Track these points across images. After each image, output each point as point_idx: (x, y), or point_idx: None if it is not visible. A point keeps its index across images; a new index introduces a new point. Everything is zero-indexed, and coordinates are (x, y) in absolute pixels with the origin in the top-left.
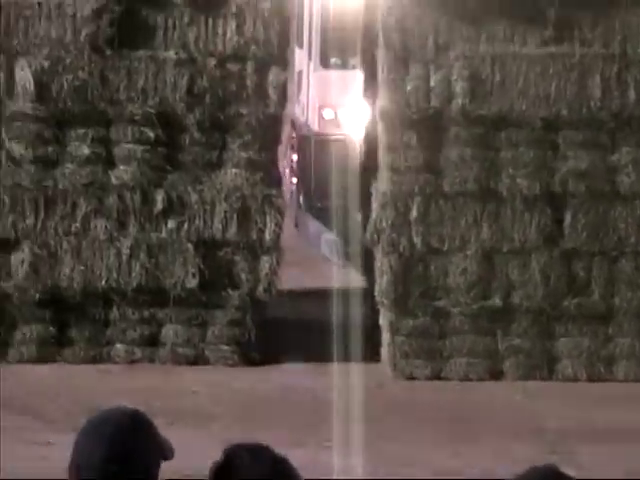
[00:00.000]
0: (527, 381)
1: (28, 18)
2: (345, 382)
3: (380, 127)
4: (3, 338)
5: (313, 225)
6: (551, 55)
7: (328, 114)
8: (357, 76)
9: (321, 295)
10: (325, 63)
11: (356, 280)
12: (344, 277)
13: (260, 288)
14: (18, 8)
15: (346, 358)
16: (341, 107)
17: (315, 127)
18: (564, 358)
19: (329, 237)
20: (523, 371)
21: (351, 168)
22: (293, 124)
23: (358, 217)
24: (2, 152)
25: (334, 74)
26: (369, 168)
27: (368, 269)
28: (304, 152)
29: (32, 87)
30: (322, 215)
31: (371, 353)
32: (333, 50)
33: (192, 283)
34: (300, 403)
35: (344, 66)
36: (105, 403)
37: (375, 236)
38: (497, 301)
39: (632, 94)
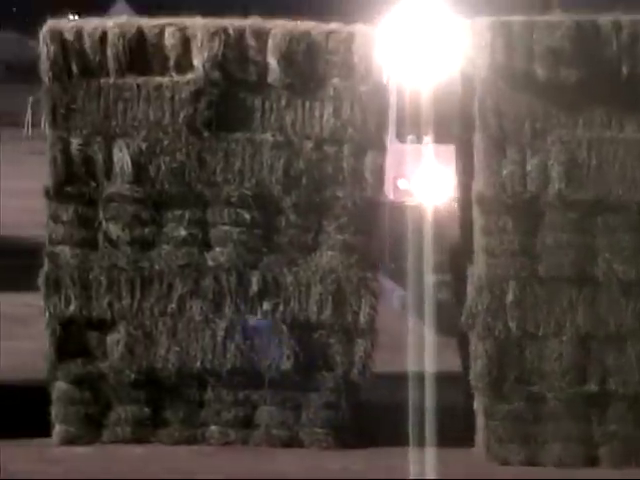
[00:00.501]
0: (623, 468)
1: (127, 100)
2: (439, 466)
3: (475, 210)
4: (98, 418)
5: (387, 283)
6: None
7: (403, 184)
8: (429, 150)
9: (415, 378)
10: (401, 138)
11: (451, 364)
12: (439, 360)
13: (355, 371)
14: (117, 90)
15: (440, 442)
16: (415, 178)
17: (390, 196)
18: None
19: (401, 293)
20: (619, 458)
21: (424, 232)
22: None
23: (430, 279)
24: (99, 233)
25: (409, 148)
26: (463, 250)
27: (463, 352)
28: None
29: (130, 169)
30: (395, 275)
31: (465, 437)
32: (409, 127)
33: (287, 365)
34: None
35: (418, 141)
36: None
37: (470, 320)
38: (593, 386)
39: None
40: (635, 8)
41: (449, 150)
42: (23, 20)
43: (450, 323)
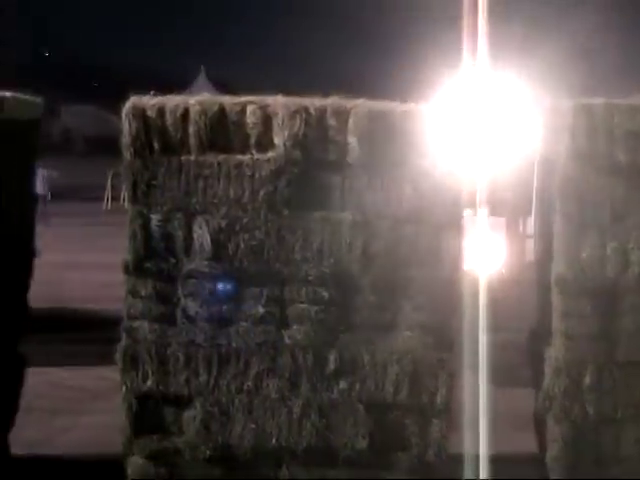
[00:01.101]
0: None
1: (207, 177)
2: None
3: (554, 293)
4: None
5: None
6: None
7: None
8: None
9: (491, 460)
10: None
11: (526, 446)
12: (514, 443)
13: (430, 452)
14: (198, 167)
15: None
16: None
17: None
18: None
19: None
20: None
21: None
22: None
23: (484, 339)
24: (178, 309)
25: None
26: (541, 333)
27: (539, 435)
28: None
29: (209, 245)
30: None
31: None
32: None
33: (362, 444)
34: None
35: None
36: None
37: (547, 402)
38: None
39: None
40: None
41: (501, 222)
42: (103, 94)
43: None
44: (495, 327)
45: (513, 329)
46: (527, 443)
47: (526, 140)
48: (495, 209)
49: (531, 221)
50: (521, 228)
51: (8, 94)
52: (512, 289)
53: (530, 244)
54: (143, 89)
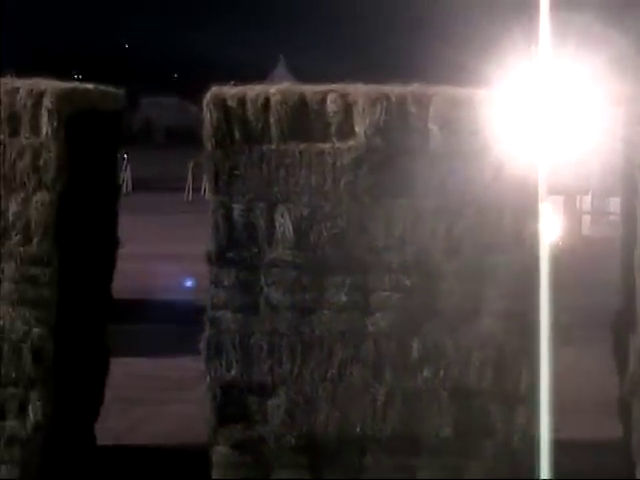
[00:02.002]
0: None
1: (289, 166)
2: None
3: (638, 277)
4: None
5: None
6: None
7: None
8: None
9: (575, 446)
10: None
11: (612, 432)
12: (597, 427)
13: (515, 438)
14: (279, 156)
15: None
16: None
17: None
18: None
19: None
20: None
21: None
22: None
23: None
24: (261, 298)
25: None
26: (625, 317)
27: (625, 421)
28: None
29: (291, 234)
30: None
31: None
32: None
33: (447, 432)
34: None
35: None
36: None
37: (633, 388)
38: None
39: None
40: None
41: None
42: (183, 85)
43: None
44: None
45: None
46: (613, 428)
47: (584, 124)
48: (554, 188)
49: (587, 199)
50: (578, 205)
51: (90, 86)
52: (570, 260)
53: (586, 220)
54: (223, 79)
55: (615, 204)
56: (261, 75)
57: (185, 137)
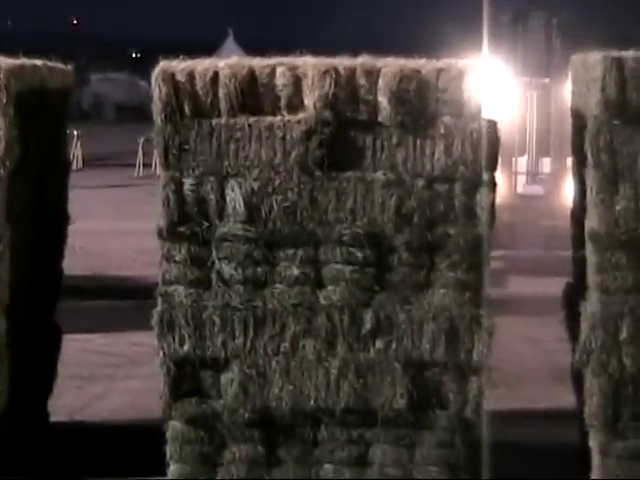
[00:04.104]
0: None
1: (239, 140)
2: None
3: (589, 247)
4: (213, 457)
5: None
6: None
7: None
8: None
9: (528, 416)
10: None
11: (564, 401)
12: (552, 398)
13: (468, 409)
14: (229, 130)
15: None
16: None
17: None
18: None
19: None
20: None
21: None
22: None
23: None
24: (213, 273)
25: None
26: (577, 288)
27: (577, 390)
28: None
29: (242, 208)
30: None
31: (580, 476)
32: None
33: (400, 403)
34: None
35: None
36: None
37: (584, 357)
38: None
39: None
40: None
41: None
42: (134, 61)
43: None
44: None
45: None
46: (565, 398)
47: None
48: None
49: (522, 160)
50: (513, 166)
51: (39, 62)
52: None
53: (520, 180)
54: (172, 54)
55: (547, 164)
56: (210, 50)
57: (136, 113)
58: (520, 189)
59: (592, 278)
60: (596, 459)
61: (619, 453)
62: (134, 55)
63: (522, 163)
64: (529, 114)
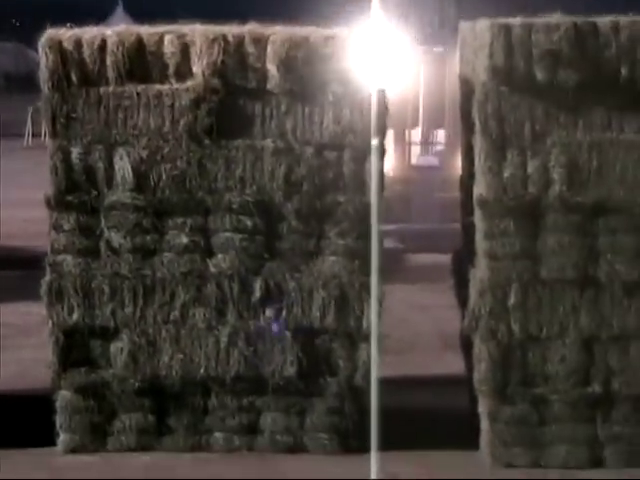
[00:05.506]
0: (628, 469)
1: (127, 108)
2: (443, 470)
3: (477, 214)
4: (102, 427)
5: None
6: None
7: None
8: None
9: (419, 382)
10: None
11: (454, 367)
12: (442, 364)
13: (358, 376)
14: (117, 98)
15: (444, 446)
16: None
17: None
18: None
19: None
20: (624, 459)
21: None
22: None
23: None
24: (101, 242)
25: None
26: (466, 254)
27: (467, 356)
28: None
29: (131, 177)
30: None
31: (469, 441)
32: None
33: (290, 371)
34: None
35: None
36: None
37: (473, 323)
38: (596, 388)
39: None
40: (634, 9)
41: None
42: (22, 29)
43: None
44: None
45: None
46: (456, 364)
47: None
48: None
49: (416, 132)
50: (407, 137)
51: None
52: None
53: (415, 150)
54: (61, 23)
55: (441, 135)
56: (99, 19)
57: (24, 82)
58: (414, 160)
59: (480, 245)
60: (485, 424)
61: (507, 418)
62: (18, 23)
63: (416, 134)
64: (422, 83)
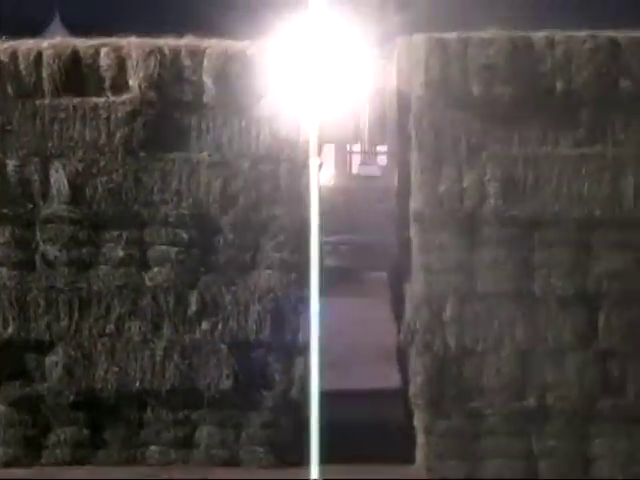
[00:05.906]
0: None
1: (63, 121)
2: None
3: (413, 227)
4: (37, 440)
5: None
6: (583, 156)
7: None
8: None
9: (356, 396)
10: None
11: (391, 380)
12: (379, 378)
13: (294, 389)
14: (53, 111)
15: (380, 459)
16: None
17: None
18: (599, 459)
19: None
20: (558, 472)
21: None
22: None
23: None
24: (37, 254)
25: None
26: (402, 268)
27: (403, 369)
28: None
29: (66, 189)
30: None
31: (405, 454)
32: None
33: (226, 384)
34: None
35: None
36: None
37: (409, 336)
38: (531, 402)
39: None
40: (569, 24)
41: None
42: None
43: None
44: None
45: None
46: (392, 377)
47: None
48: (325, 138)
49: (357, 145)
50: (348, 148)
51: None
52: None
53: (356, 160)
54: None
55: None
56: (36, 32)
57: None
58: (355, 170)
59: (416, 258)
60: (420, 437)
61: (442, 432)
62: None
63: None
64: (364, 94)
